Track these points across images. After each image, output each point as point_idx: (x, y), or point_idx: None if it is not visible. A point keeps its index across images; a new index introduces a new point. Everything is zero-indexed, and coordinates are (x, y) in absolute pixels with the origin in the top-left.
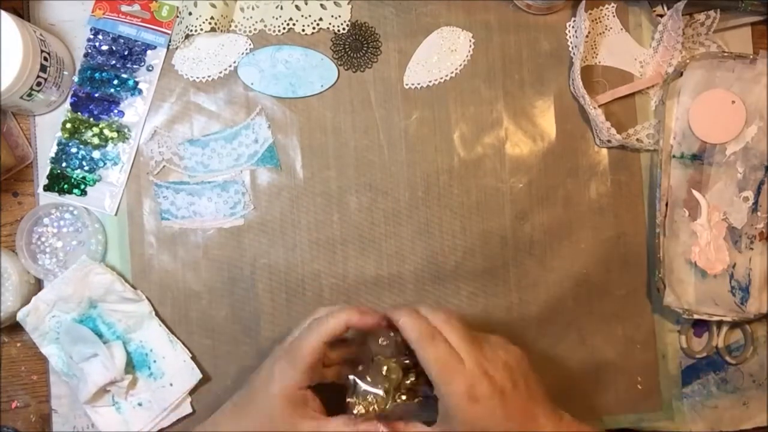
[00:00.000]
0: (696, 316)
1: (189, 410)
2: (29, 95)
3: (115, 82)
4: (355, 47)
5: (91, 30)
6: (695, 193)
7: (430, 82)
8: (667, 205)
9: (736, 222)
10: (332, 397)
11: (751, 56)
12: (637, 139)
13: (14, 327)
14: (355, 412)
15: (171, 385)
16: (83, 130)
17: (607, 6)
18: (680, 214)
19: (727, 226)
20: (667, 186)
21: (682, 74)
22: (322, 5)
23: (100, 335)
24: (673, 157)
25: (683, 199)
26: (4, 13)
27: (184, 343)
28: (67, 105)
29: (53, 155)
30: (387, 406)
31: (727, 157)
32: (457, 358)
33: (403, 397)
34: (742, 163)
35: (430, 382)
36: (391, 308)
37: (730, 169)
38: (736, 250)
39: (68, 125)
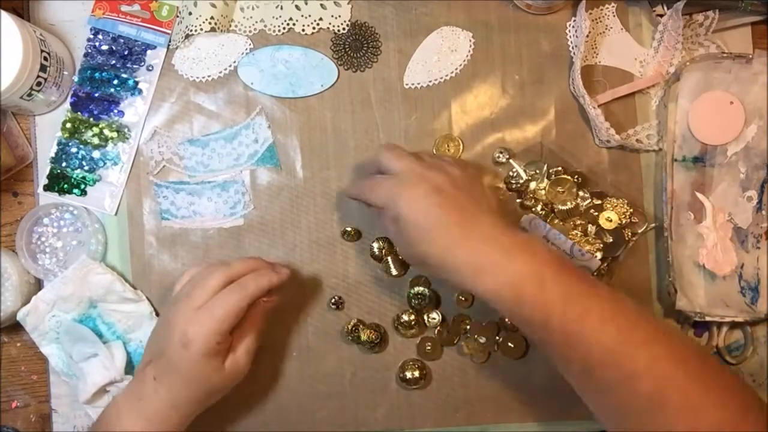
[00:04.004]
0: (708, 319)
1: None
2: (29, 95)
3: (115, 82)
4: (355, 47)
5: (91, 30)
6: (699, 195)
7: (430, 82)
8: (672, 208)
9: (741, 222)
10: None
11: (748, 56)
12: (637, 140)
13: (14, 327)
14: None
15: None
16: (83, 130)
17: (607, 6)
18: (686, 217)
19: (732, 227)
20: (671, 190)
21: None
22: (322, 5)
23: (100, 335)
24: (675, 160)
25: (687, 202)
26: (4, 13)
27: None
28: (67, 105)
29: (53, 155)
30: None
31: (728, 158)
32: (386, 179)
33: None
34: (744, 163)
35: None
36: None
37: (732, 170)
38: (743, 250)
39: (68, 125)
